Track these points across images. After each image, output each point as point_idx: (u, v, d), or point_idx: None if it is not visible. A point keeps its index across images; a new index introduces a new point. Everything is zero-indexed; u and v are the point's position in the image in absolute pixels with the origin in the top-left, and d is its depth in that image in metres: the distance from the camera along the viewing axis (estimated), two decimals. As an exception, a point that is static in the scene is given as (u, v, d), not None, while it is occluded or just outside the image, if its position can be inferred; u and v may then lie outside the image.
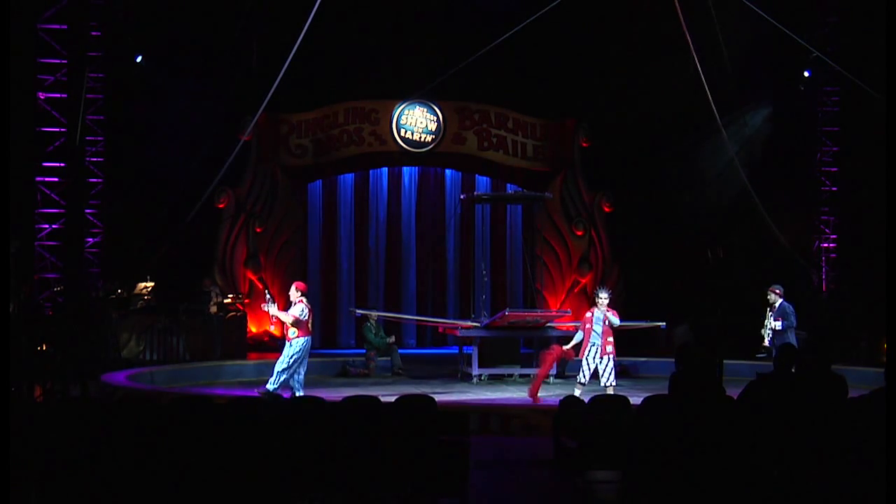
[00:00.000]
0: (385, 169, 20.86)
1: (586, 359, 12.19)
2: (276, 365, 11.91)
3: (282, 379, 11.82)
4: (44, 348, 13.36)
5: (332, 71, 19.40)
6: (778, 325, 12.67)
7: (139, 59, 17.73)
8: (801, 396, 6.67)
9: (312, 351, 12.41)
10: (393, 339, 17.03)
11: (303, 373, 12.00)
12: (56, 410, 7.54)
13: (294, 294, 12.05)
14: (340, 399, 7.57)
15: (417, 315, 20.01)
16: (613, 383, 12.19)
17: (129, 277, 17.00)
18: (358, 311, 17.62)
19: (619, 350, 17.48)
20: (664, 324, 15.94)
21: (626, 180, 20.07)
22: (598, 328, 12.15)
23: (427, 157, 20.36)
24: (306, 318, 11.88)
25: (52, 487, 6.21)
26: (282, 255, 19.80)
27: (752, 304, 13.85)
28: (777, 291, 12.86)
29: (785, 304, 12.78)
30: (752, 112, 19.23)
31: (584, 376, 12.14)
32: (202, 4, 17.83)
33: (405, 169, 20.95)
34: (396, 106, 19.83)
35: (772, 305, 12.88)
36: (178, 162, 17.54)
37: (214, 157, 17.37)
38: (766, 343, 12.89)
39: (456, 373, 15.85)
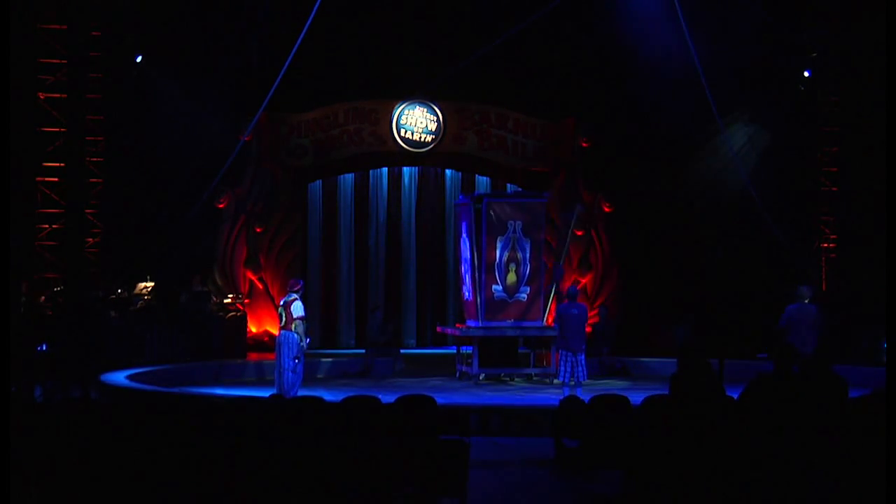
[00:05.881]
0: (385, 169, 20.82)
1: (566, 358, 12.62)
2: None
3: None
4: (44, 348, 13.37)
5: (332, 71, 19.36)
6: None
7: (139, 59, 17.73)
8: (801, 396, 6.66)
9: (311, 350, 12.47)
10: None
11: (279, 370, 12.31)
12: (56, 410, 7.54)
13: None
14: (340, 399, 7.58)
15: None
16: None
17: (129, 277, 17.01)
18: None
19: (620, 350, 17.52)
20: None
21: (626, 180, 20.04)
22: None
23: (427, 157, 20.33)
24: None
25: (52, 487, 6.20)
26: (282, 255, 19.76)
27: (752, 303, 13.84)
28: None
29: (792, 308, 12.53)
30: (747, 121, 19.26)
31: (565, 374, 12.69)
32: (202, 4, 17.82)
33: (405, 169, 20.90)
34: (396, 106, 19.81)
35: None
36: (178, 162, 17.54)
37: (214, 157, 17.36)
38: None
39: (456, 373, 15.85)
